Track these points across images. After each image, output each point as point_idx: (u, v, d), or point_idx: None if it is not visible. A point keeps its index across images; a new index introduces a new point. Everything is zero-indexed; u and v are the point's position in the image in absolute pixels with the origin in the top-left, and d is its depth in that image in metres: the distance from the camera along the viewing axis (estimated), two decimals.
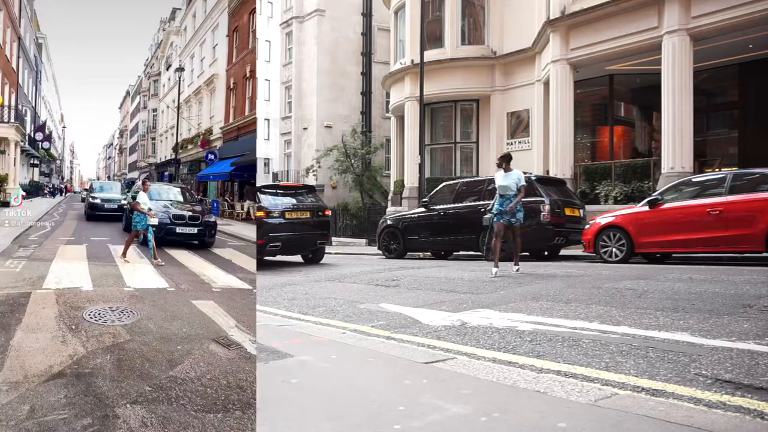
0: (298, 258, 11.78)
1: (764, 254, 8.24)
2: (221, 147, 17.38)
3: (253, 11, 16.25)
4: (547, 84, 15.73)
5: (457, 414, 2.09)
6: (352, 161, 25.46)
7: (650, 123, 16.67)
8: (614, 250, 9.39)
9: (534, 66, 17.21)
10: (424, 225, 12.09)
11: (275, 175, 31.72)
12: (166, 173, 19.52)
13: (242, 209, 15.65)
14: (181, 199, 11.14)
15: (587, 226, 10.11)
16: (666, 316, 4.13)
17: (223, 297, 5.68)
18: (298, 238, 10.76)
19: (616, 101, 16.26)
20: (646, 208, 9.15)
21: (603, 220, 9.74)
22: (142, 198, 8.41)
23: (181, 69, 18.45)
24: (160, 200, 10.44)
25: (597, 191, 13.95)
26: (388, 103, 24.81)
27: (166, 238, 9.37)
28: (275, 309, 5.39)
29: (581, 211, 11.16)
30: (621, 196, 13.23)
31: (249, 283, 6.65)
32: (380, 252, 13.17)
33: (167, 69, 20.27)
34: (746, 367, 2.74)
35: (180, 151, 18.60)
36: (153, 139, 21.14)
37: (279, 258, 11.74)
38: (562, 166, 14.76)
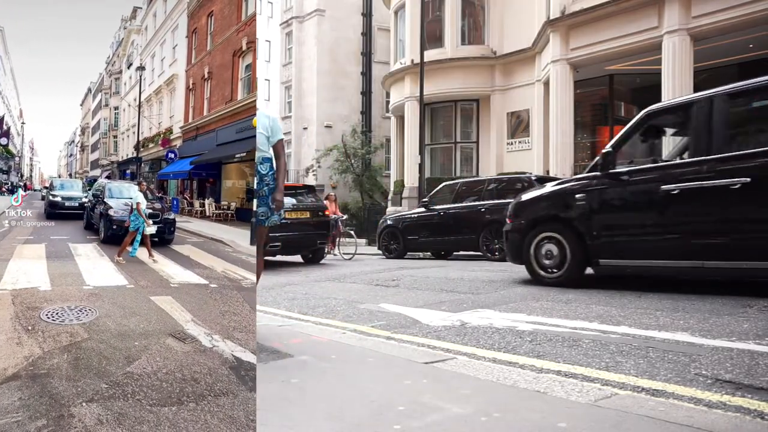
0: (298, 258, 11.79)
1: None
2: (181, 146, 17.71)
3: (210, 14, 16.57)
4: (547, 84, 15.73)
5: (457, 414, 2.09)
6: (352, 161, 25.47)
7: None
8: None
9: (534, 66, 17.21)
10: (424, 225, 12.09)
11: None
12: (128, 171, 19.74)
13: (201, 207, 15.91)
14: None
15: None
16: (666, 316, 4.13)
17: (180, 292, 5.72)
18: (298, 238, 10.78)
19: (616, 101, 16.27)
20: None
21: None
22: (140, 198, 8.44)
23: (141, 68, 18.69)
24: (121, 198, 10.54)
25: None
26: (388, 103, 24.82)
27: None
28: (275, 309, 5.39)
29: None
30: None
31: (206, 279, 6.70)
32: (380, 252, 13.17)
33: (128, 67, 20.48)
34: (746, 367, 2.74)
35: (141, 149, 18.86)
36: (115, 137, 21.26)
37: (279, 258, 11.75)
38: (562, 166, 14.76)
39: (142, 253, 8.56)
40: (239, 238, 10.41)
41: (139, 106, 18.11)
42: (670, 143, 6.80)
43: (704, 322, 3.85)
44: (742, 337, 3.35)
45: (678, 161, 5.58)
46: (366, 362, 3.03)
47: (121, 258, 7.92)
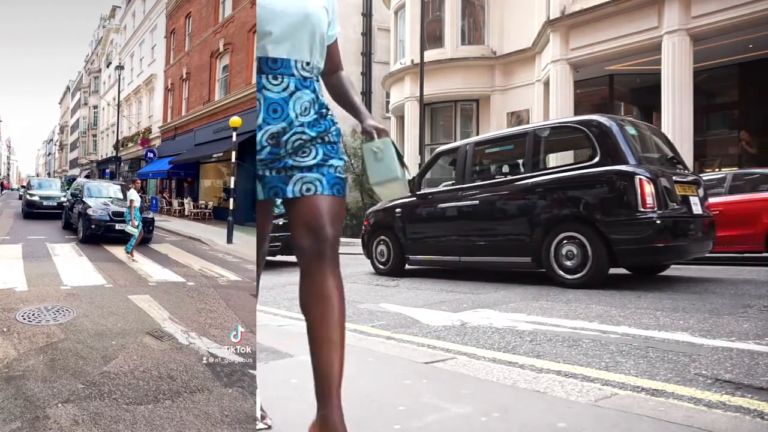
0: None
1: (764, 254, 8.24)
2: (160, 146, 17.72)
3: (188, 15, 16.59)
4: (547, 84, 15.73)
5: (457, 414, 2.09)
6: (352, 161, 25.48)
7: (650, 123, 16.67)
8: None
9: (534, 66, 17.21)
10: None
11: None
12: (108, 170, 19.68)
13: (179, 206, 15.95)
14: (120, 196, 11.10)
15: None
16: (666, 316, 4.13)
17: (158, 291, 5.74)
18: None
19: (616, 101, 16.26)
20: None
21: None
22: (134, 195, 8.44)
23: (120, 67, 18.65)
24: (100, 197, 10.46)
25: None
26: (388, 103, 24.83)
27: (106, 234, 9.40)
28: (275, 309, 5.40)
29: None
30: None
31: (183, 277, 6.71)
32: None
33: (107, 66, 20.32)
34: (746, 367, 2.74)
35: (121, 148, 18.81)
36: (94, 135, 21.04)
37: (279, 258, 11.75)
38: None
39: (123, 252, 8.52)
40: (216, 236, 10.47)
41: (118, 105, 18.10)
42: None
43: (704, 322, 3.85)
44: (742, 337, 3.35)
45: (448, 188, 7.66)
46: (366, 362, 3.03)
47: (131, 257, 7.95)
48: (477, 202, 6.94)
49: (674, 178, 5.99)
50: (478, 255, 6.99)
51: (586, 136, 6.08)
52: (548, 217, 6.17)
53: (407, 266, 8.18)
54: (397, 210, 8.05)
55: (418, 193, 7.85)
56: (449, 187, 7.60)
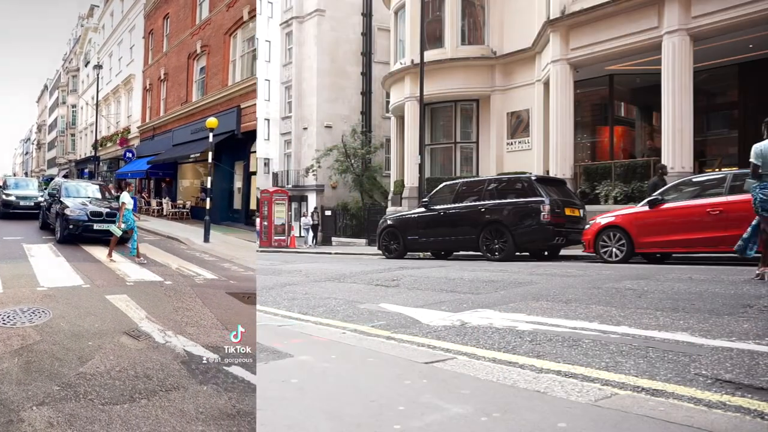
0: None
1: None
2: (138, 146, 17.81)
3: (166, 16, 16.67)
4: (547, 84, 15.73)
5: (457, 414, 2.09)
6: (352, 161, 25.49)
7: (650, 123, 16.67)
8: (614, 250, 9.39)
9: (534, 66, 17.22)
10: (424, 225, 12.10)
11: (275, 175, 31.75)
12: (86, 170, 19.66)
13: (158, 206, 16.02)
14: (99, 195, 11.02)
15: (587, 226, 10.12)
16: (666, 316, 4.13)
17: (135, 290, 5.71)
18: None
19: (616, 101, 16.27)
20: (647, 208, 9.15)
21: (603, 220, 9.75)
22: (126, 198, 8.41)
23: (99, 66, 18.64)
24: (79, 197, 10.36)
25: (597, 191, 13.96)
26: (388, 103, 24.84)
27: (84, 234, 9.29)
28: (275, 309, 5.39)
29: (581, 211, 11.18)
30: (621, 196, 13.24)
31: (161, 276, 6.71)
32: (380, 252, 13.17)
33: (86, 65, 20.28)
34: (746, 367, 2.74)
35: (99, 148, 18.82)
36: (72, 135, 20.92)
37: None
38: (562, 166, 14.77)
39: (101, 252, 8.46)
40: (193, 235, 10.46)
41: (97, 105, 18.09)
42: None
43: (704, 322, 3.85)
44: (742, 337, 3.35)
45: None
46: (366, 362, 3.03)
47: (141, 258, 7.91)
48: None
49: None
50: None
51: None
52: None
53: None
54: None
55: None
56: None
